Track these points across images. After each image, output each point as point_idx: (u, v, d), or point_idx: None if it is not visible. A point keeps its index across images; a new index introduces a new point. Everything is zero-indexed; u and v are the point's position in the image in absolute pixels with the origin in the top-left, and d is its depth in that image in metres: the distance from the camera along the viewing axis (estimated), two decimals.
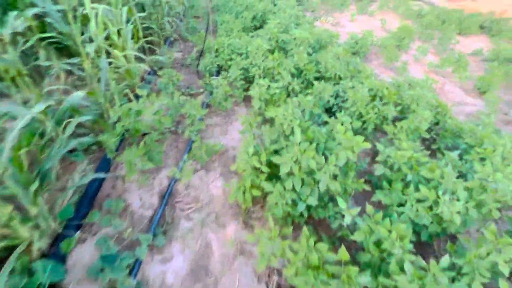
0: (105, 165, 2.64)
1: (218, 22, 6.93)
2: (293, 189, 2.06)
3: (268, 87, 3.34)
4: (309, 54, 4.78)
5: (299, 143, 2.08)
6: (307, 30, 5.50)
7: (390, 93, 3.48)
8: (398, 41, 6.36)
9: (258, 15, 7.18)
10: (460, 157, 2.87)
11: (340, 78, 4.00)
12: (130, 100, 3.32)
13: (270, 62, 3.85)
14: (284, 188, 2.05)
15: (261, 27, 7.48)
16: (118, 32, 3.62)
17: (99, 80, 2.99)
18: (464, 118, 4.22)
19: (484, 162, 2.55)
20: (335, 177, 2.09)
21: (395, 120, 3.34)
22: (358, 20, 9.32)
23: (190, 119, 3.04)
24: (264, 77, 4.06)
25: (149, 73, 4.38)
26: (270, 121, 3.49)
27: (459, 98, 4.84)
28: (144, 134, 2.94)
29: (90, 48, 2.77)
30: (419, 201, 2.01)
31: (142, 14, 4.42)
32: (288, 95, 3.67)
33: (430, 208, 1.98)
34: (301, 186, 2.06)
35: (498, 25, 8.37)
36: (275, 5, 8.49)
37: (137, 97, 3.83)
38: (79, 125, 2.83)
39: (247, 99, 4.11)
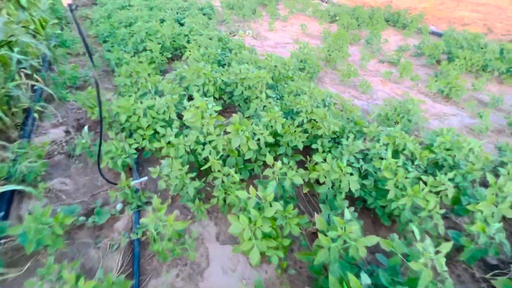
0: None
1: (111, 60, 4.82)
2: None
3: (257, 204, 1.79)
4: (268, 96, 3.40)
5: None
6: (248, 59, 4.11)
7: (416, 148, 2.42)
8: (338, 50, 5.66)
9: (167, 43, 5.38)
10: None
11: (333, 132, 2.77)
12: None
13: (234, 139, 2.27)
14: None
15: (176, 58, 5.70)
16: None
17: None
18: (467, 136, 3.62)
19: None
20: None
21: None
22: (276, 28, 8.50)
23: None
24: (222, 159, 2.47)
25: None
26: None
27: (432, 108, 4.33)
28: None
29: None
30: None
31: None
32: (283, 196, 2.19)
33: None
34: None
35: (399, 18, 8.89)
36: (182, 24, 6.78)
37: None
38: None
39: (212, 203, 2.44)
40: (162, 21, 6.89)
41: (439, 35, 7.95)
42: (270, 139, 2.42)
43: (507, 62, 5.03)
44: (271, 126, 2.60)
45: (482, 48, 5.80)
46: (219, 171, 2.27)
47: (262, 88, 3.20)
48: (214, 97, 3.66)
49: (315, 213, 2.19)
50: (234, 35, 7.65)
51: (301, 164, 2.83)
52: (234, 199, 2.07)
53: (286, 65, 3.83)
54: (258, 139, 2.41)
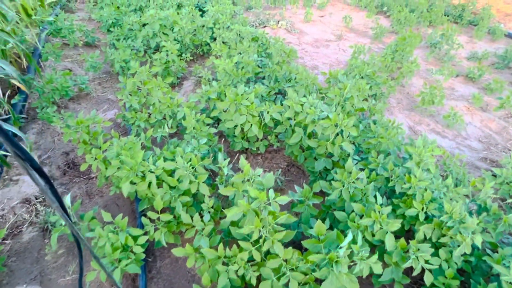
0: None
1: (115, 62, 3.71)
2: None
3: None
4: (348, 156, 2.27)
5: None
6: (304, 77, 2.93)
7: None
8: (406, 58, 4.37)
9: (186, 39, 4.20)
10: None
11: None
12: None
13: (329, 281, 1.22)
14: None
15: (196, 58, 4.53)
16: None
17: None
18: None
19: None
20: None
21: None
22: (313, 18, 7.10)
23: None
24: None
25: None
26: None
27: None
28: None
29: None
30: None
31: None
32: None
33: None
34: None
35: (463, 13, 7.34)
36: (203, 11, 5.51)
37: None
38: None
39: None
40: (179, 6, 5.64)
41: None
42: (379, 269, 1.36)
43: None
44: (372, 233, 1.53)
45: None
46: None
47: (337, 141, 2.08)
48: (256, 137, 2.58)
49: None
50: (264, 26, 6.35)
51: None
52: None
53: (360, 93, 2.66)
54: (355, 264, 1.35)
